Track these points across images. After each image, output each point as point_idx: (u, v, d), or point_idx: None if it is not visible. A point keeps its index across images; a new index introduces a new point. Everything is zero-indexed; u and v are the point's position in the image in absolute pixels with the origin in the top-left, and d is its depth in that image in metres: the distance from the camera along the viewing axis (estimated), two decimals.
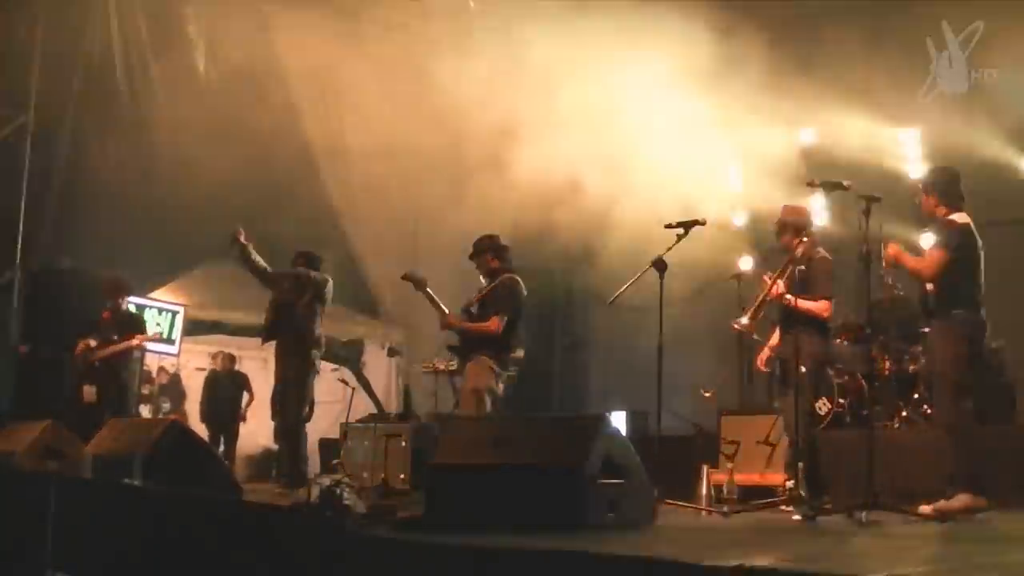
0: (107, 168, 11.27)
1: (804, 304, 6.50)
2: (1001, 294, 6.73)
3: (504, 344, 7.45)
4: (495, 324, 7.39)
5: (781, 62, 9.78)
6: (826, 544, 4.75)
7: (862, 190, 6.23)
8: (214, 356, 12.98)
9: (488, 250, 7.75)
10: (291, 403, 8.53)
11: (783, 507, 6.36)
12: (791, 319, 6.49)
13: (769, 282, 6.60)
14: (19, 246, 10.55)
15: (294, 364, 8.54)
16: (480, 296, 7.66)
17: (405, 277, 7.97)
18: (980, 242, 6.32)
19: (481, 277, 7.81)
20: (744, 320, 6.69)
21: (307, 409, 11.15)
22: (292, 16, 11.18)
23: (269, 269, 8.76)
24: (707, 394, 9.54)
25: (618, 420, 10.96)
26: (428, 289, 7.76)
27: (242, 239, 8.51)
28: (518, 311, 7.59)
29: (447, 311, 7.65)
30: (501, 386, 7.44)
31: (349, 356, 12.62)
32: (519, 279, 7.72)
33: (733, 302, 9.11)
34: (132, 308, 10.20)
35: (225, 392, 12.54)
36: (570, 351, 13.77)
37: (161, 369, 12.93)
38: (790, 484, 6.56)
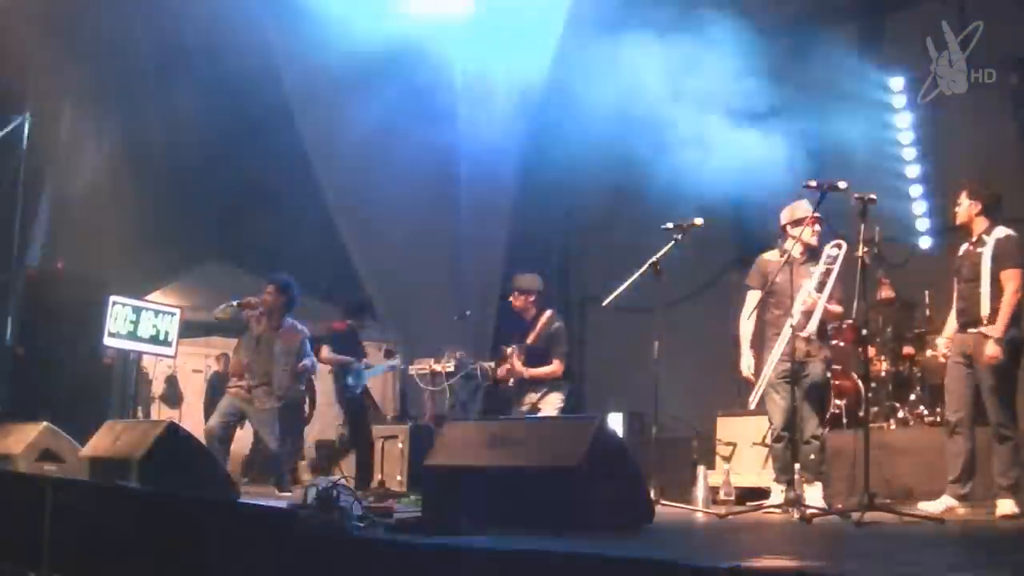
0: (104, 169, 11.26)
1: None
2: None
3: (564, 381, 7.92)
4: (559, 367, 7.81)
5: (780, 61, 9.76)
6: (822, 545, 4.75)
7: (859, 190, 6.23)
8: (217, 358, 12.96)
9: (535, 293, 8.03)
10: None
11: (780, 508, 6.36)
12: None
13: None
14: (15, 247, 10.53)
15: None
16: (536, 336, 7.91)
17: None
18: None
19: (520, 312, 8.07)
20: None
21: (307, 410, 11.15)
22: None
23: None
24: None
25: (615, 422, 10.95)
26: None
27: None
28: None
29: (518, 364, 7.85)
30: None
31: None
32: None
33: (729, 303, 9.08)
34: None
35: None
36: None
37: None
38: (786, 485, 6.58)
